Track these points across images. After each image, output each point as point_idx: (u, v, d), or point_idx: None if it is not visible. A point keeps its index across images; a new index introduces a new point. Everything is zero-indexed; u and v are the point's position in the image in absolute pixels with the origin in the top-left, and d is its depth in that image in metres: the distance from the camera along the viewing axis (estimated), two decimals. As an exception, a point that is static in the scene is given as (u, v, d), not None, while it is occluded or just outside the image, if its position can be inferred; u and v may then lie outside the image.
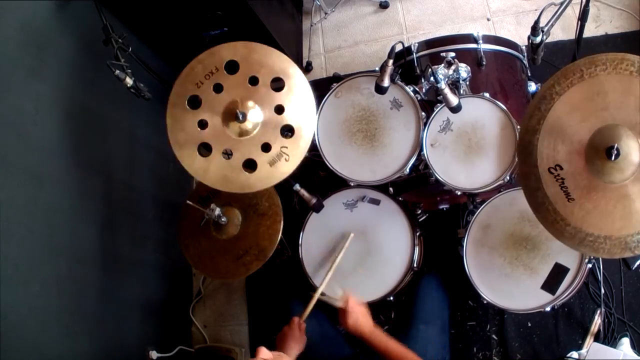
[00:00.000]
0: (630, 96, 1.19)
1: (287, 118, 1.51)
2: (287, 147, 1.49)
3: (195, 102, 1.53)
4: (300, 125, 1.50)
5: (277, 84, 1.53)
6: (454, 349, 2.02)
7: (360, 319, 1.47)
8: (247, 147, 1.50)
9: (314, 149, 1.77)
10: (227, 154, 1.50)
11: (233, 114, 1.48)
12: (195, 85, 1.53)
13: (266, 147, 1.49)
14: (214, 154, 1.49)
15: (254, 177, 1.48)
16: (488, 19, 2.50)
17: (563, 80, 1.26)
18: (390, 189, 1.80)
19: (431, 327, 1.63)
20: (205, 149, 1.50)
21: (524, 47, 1.95)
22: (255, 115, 1.50)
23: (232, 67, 1.54)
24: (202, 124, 1.51)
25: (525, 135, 1.31)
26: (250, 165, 1.49)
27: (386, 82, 1.57)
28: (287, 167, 1.48)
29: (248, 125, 1.50)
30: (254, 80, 1.52)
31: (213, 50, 1.56)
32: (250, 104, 1.50)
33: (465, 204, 1.91)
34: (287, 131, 1.52)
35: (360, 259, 1.78)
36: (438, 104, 1.69)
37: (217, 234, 1.77)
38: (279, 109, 1.51)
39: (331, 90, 1.81)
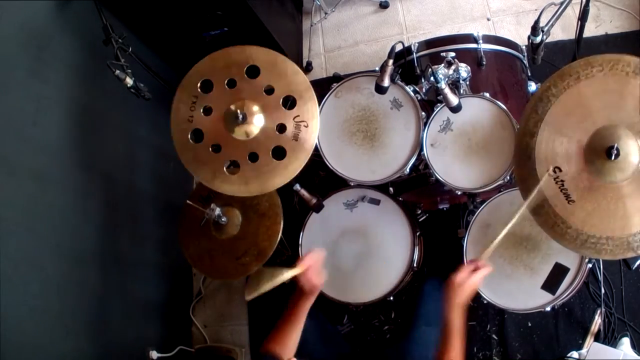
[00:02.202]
0: (627, 96, 1.19)
1: (281, 91, 1.52)
2: (299, 115, 1.50)
3: (198, 135, 1.55)
4: (296, 89, 1.51)
5: (254, 73, 1.54)
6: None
7: (469, 289, 1.29)
8: (265, 140, 1.51)
9: (314, 149, 1.77)
10: (254, 157, 1.51)
11: (235, 121, 1.49)
12: (188, 122, 1.54)
13: (281, 128, 1.51)
14: (242, 166, 1.50)
15: (290, 159, 1.48)
16: (488, 19, 2.50)
17: (559, 82, 1.26)
18: (390, 189, 1.80)
19: (433, 329, 1.62)
20: (234, 166, 1.51)
21: (524, 47, 1.95)
22: (252, 109, 1.51)
23: (206, 85, 1.55)
24: (216, 148, 1.52)
25: (523, 138, 1.30)
26: (278, 152, 1.50)
27: (386, 82, 1.56)
28: (311, 132, 1.49)
29: (252, 122, 1.51)
30: (232, 83, 1.54)
31: (184, 83, 1.57)
32: (244, 103, 1.52)
33: (465, 204, 1.91)
34: (289, 103, 1.53)
35: (360, 259, 1.78)
36: (438, 104, 1.69)
37: (217, 234, 1.77)
38: (269, 90, 1.53)
39: (331, 90, 1.81)
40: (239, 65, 1.54)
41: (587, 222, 1.21)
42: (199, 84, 1.55)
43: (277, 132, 1.50)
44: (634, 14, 2.32)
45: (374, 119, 1.75)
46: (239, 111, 1.49)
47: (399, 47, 1.62)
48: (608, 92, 1.22)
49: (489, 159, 1.62)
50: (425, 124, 1.67)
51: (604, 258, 1.61)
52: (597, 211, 1.20)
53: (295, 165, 1.48)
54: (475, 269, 1.30)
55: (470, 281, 1.28)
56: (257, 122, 1.51)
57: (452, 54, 1.59)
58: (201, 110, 1.54)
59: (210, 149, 1.52)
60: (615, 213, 1.18)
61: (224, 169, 1.51)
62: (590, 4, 1.62)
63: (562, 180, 1.24)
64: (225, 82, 1.54)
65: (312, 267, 1.35)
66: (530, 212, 1.29)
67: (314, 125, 1.49)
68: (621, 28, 2.32)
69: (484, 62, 1.80)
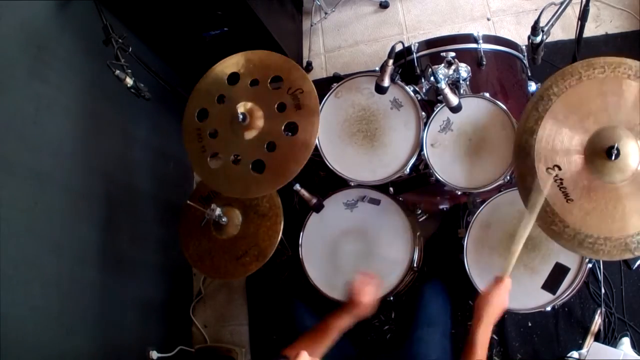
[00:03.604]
0: (628, 99, 1.19)
1: (264, 77, 1.57)
2: (290, 88, 1.53)
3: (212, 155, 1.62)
4: (275, 67, 1.57)
5: (235, 79, 1.61)
6: (454, 348, 2.02)
7: (499, 307, 1.31)
8: (273, 126, 1.53)
9: (314, 149, 1.77)
10: (271, 146, 1.53)
11: (240, 125, 1.52)
12: (202, 152, 1.60)
13: (281, 107, 1.54)
14: (267, 161, 1.52)
15: (304, 126, 1.51)
16: (488, 19, 2.50)
17: (561, 81, 1.27)
18: (391, 189, 1.80)
19: (435, 330, 1.62)
20: (259, 169, 1.53)
21: (524, 47, 1.95)
22: (247, 107, 1.56)
23: (202, 114, 1.63)
24: (237, 160, 1.57)
25: (523, 136, 1.30)
26: (290, 128, 1.53)
27: (386, 82, 1.56)
28: (310, 97, 1.52)
29: (254, 116, 1.54)
30: (221, 99, 1.61)
31: (184, 128, 1.64)
32: (240, 106, 1.57)
33: (466, 204, 1.91)
34: (276, 81, 1.57)
35: (360, 259, 1.78)
36: (438, 104, 1.69)
37: (218, 234, 1.77)
38: (254, 82, 1.58)
39: (331, 90, 1.81)
40: (219, 80, 1.61)
41: (585, 222, 1.21)
42: (195, 117, 1.62)
43: (279, 112, 1.53)
44: (634, 14, 2.32)
45: (374, 119, 1.75)
46: (238, 112, 1.51)
47: (399, 47, 1.62)
48: (609, 94, 1.22)
49: (489, 159, 1.62)
50: (425, 124, 1.67)
51: (601, 258, 1.61)
52: (596, 211, 1.20)
53: (312, 128, 1.50)
54: (499, 284, 1.31)
55: (499, 297, 1.29)
56: (257, 115, 1.55)
57: (452, 54, 1.59)
58: (208, 136, 1.60)
59: (230, 160, 1.55)
60: (614, 214, 1.18)
61: (251, 169, 1.53)
62: (590, 4, 1.62)
63: (561, 179, 1.24)
64: (215, 100, 1.60)
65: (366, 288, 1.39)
66: (528, 210, 1.30)
67: (310, 90, 1.52)
68: (621, 28, 2.32)
69: (484, 62, 1.80)
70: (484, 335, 1.27)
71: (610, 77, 1.22)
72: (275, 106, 1.54)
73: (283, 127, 1.52)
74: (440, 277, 1.95)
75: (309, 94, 1.52)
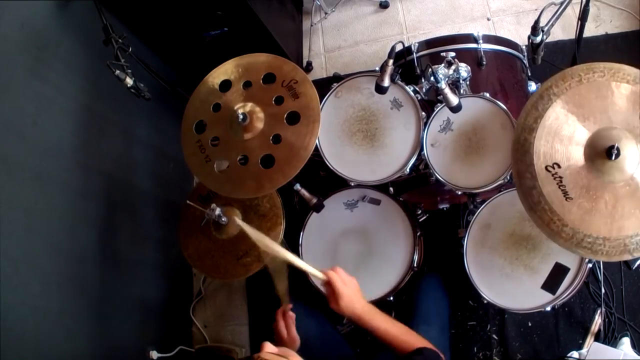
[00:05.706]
0: (628, 101, 1.20)
1: (256, 78, 1.57)
2: (284, 81, 1.53)
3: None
4: (266, 65, 1.57)
5: (226, 86, 1.61)
6: (454, 348, 2.02)
7: (354, 297, 1.32)
8: (273, 120, 1.53)
9: (314, 148, 1.77)
10: (277, 139, 1.53)
11: (240, 125, 1.52)
12: (207, 162, 1.58)
13: (278, 100, 1.53)
14: (274, 154, 1.51)
15: (305, 113, 1.50)
16: (488, 19, 2.50)
17: (561, 82, 1.27)
18: (391, 189, 1.80)
19: (432, 328, 1.63)
20: (269, 164, 1.52)
21: (524, 47, 1.95)
22: (246, 107, 1.55)
23: (199, 126, 1.62)
24: (242, 161, 1.55)
25: (522, 134, 1.30)
26: (291, 118, 1.52)
27: (386, 82, 1.56)
28: (305, 84, 1.52)
29: (253, 114, 1.53)
30: (217, 107, 1.60)
31: (184, 142, 1.63)
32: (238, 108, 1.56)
33: (466, 204, 1.91)
34: (269, 78, 1.57)
35: (360, 259, 1.78)
36: (438, 104, 1.69)
37: (218, 234, 1.77)
38: (247, 84, 1.58)
39: (331, 90, 1.81)
40: (211, 90, 1.61)
41: (584, 221, 1.20)
42: (193, 129, 1.61)
43: (277, 105, 1.53)
44: (634, 13, 2.32)
45: (374, 119, 1.75)
46: (238, 112, 1.50)
47: (399, 47, 1.62)
48: (608, 97, 1.22)
49: (489, 159, 1.62)
50: (425, 124, 1.67)
51: (599, 259, 1.61)
52: (595, 211, 1.20)
53: (313, 112, 1.49)
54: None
55: (344, 294, 1.32)
56: (257, 113, 1.54)
57: (452, 53, 1.59)
58: (210, 145, 1.58)
59: (237, 161, 1.54)
60: (613, 214, 1.18)
61: (261, 168, 1.52)
62: (591, 4, 1.62)
63: (560, 177, 1.24)
64: (211, 109, 1.59)
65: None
66: (526, 209, 1.29)
67: (305, 82, 1.52)
68: (621, 28, 2.32)
69: (484, 62, 1.80)
70: (370, 317, 1.30)
71: (609, 81, 1.22)
72: (273, 100, 1.54)
73: (285, 118, 1.51)
74: (437, 270, 1.95)
75: (303, 81, 1.52)
